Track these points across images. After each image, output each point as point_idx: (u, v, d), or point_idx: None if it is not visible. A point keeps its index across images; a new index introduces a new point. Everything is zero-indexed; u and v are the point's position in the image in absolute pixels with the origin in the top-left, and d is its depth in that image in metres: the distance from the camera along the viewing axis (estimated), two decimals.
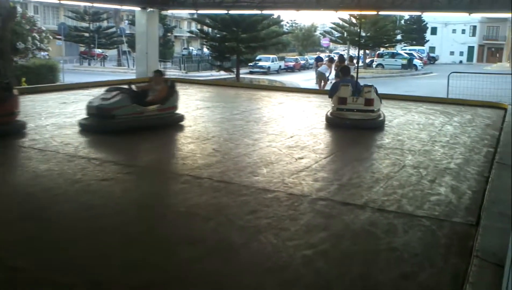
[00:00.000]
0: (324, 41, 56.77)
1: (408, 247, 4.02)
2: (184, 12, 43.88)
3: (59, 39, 31.27)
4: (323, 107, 11.99)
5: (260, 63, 40.29)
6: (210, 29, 31.65)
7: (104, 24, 49.53)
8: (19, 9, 20.30)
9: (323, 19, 66.96)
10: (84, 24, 47.17)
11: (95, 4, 17.78)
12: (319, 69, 20.08)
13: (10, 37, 17.83)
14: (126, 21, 48.02)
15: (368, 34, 44.86)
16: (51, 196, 5.13)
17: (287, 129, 8.95)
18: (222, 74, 30.88)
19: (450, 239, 4.22)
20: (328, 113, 9.64)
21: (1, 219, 4.49)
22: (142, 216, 4.67)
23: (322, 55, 37.95)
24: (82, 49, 49.00)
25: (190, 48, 60.29)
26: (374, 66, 45.50)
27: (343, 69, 11.30)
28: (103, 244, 3.98)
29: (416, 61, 45.62)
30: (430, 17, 56.90)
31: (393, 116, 10.92)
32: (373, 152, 7.34)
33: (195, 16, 33.27)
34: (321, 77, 19.19)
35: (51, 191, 5.27)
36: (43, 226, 4.35)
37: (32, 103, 11.60)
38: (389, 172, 6.21)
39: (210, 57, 36.51)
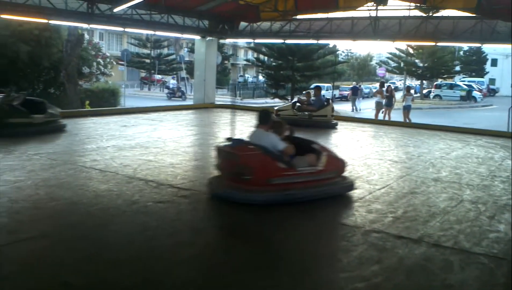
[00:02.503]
0: (380, 71, 56.20)
1: (464, 285, 3.89)
2: (241, 41, 44.78)
3: (122, 64, 32.62)
4: (377, 137, 11.86)
5: None
6: (266, 58, 32.12)
7: (165, 51, 51.24)
8: (86, 36, 21.37)
9: (380, 49, 66.48)
10: (146, 51, 48.97)
11: (157, 33, 18.48)
12: (376, 99, 19.97)
13: (77, 62, 18.83)
14: (186, 49, 49.50)
15: (426, 64, 44.10)
16: (109, 215, 5.32)
17: None
18: (277, 102, 31.12)
19: (509, 278, 4.05)
20: None
21: (61, 236, 4.69)
22: (195, 240, 4.74)
23: (379, 84, 37.39)
24: (143, 74, 50.76)
25: (246, 75, 61.26)
26: (431, 97, 44.53)
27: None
28: (155, 265, 4.07)
29: (476, 93, 44.27)
30: (490, 49, 55.28)
31: (451, 148, 10.64)
32: (429, 186, 7.16)
33: (252, 44, 33.85)
34: (378, 107, 19.06)
35: (109, 211, 5.46)
36: (100, 244, 4.51)
37: (94, 125, 12.12)
38: (446, 207, 6.04)
39: (265, 85, 36.95)
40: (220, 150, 6.10)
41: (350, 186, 6.43)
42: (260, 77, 47.56)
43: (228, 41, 28.11)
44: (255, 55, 35.13)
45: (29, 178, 6.68)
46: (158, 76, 49.43)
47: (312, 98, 14.48)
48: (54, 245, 4.44)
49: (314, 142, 6.53)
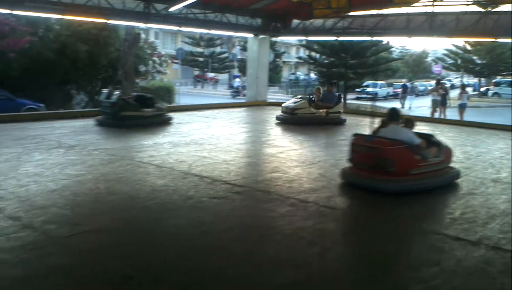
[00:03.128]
0: (436, 68, 54.57)
1: None
2: (293, 39, 44.63)
3: (176, 63, 33.25)
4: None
5: (368, 89, 39.66)
6: (318, 55, 31.90)
7: (218, 49, 51.83)
8: (142, 35, 21.93)
9: (435, 45, 64.35)
10: (199, 49, 49.69)
11: (211, 31, 18.73)
12: (432, 97, 19.46)
13: (133, 61, 19.34)
14: (238, 47, 49.90)
15: (484, 61, 42.47)
16: (166, 210, 5.47)
17: None
18: None
19: None
20: None
21: (120, 229, 4.86)
22: (248, 236, 4.79)
23: (435, 82, 36.34)
24: (196, 72, 51.54)
25: (298, 73, 61.04)
26: (489, 95, 42.84)
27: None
28: (210, 259, 4.15)
29: None
30: None
31: (510, 149, 10.23)
32: (488, 187, 6.92)
33: (304, 42, 33.68)
34: (434, 105, 18.57)
35: (166, 206, 5.61)
36: (156, 238, 4.64)
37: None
38: (505, 209, 5.83)
39: (317, 82, 36.70)
40: (357, 144, 6.66)
41: (458, 175, 7.01)
42: (312, 75, 47.24)
43: (280, 39, 28.12)
44: (307, 52, 34.86)
45: (89, 173, 6.95)
46: (211, 74, 50.06)
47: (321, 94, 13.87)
48: (114, 237, 4.60)
49: (432, 135, 7.15)
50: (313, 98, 13.38)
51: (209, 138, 10.39)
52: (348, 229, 5.02)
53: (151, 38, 35.00)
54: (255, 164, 8.42)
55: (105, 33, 19.90)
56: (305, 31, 18.50)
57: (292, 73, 59.28)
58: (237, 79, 41.64)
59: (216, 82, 49.80)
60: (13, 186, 6.01)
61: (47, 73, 18.98)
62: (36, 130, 10.50)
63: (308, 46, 32.69)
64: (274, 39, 25.87)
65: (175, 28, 16.71)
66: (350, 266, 4.12)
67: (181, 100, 24.99)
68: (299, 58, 43.33)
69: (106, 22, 15.60)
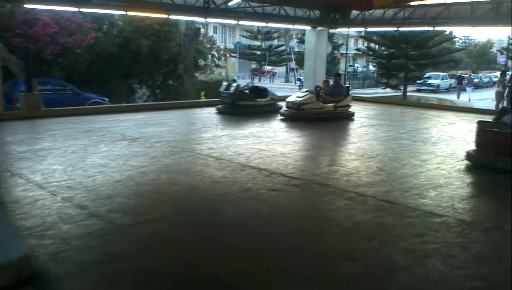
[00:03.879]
0: (501, 59, 52.17)
1: None
2: (351, 30, 44.02)
3: (235, 56, 33.57)
4: None
5: (429, 81, 38.49)
6: (377, 46, 31.28)
7: (275, 42, 51.83)
8: (202, 30, 22.29)
9: (501, 34, 61.32)
10: (257, 43, 49.88)
11: (269, 24, 18.79)
12: (497, 89, 18.65)
13: (193, 55, 19.74)
14: (295, 40, 49.67)
15: None
16: (225, 201, 5.58)
17: (458, 152, 8.47)
18: (388, 92, 30.20)
19: None
20: None
21: (181, 218, 5.01)
22: (306, 228, 4.82)
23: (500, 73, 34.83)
24: (254, 66, 51.80)
25: (356, 65, 60.10)
26: None
27: None
28: (267, 251, 4.21)
29: None
30: None
31: None
32: None
33: (363, 33, 33.09)
34: (499, 97, 17.80)
35: (225, 197, 5.73)
36: (216, 228, 4.75)
37: (210, 115, 12.68)
38: None
39: (376, 74, 36.00)
40: (484, 130, 7.30)
41: None
42: (371, 67, 46.39)
43: (339, 30, 27.78)
44: (366, 44, 34.24)
45: (152, 164, 7.19)
46: (268, 68, 50.16)
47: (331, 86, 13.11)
48: (175, 226, 4.76)
49: None
50: (320, 92, 12.53)
51: (267, 131, 10.48)
52: (407, 223, 4.93)
53: (210, 33, 35.48)
54: (312, 157, 8.41)
55: (166, 28, 20.41)
56: (364, 22, 18.19)
57: (350, 65, 58.44)
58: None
59: (273, 75, 49.83)
60: (81, 177, 6.32)
61: (110, 68, 19.73)
62: (101, 123, 10.95)
63: (367, 37, 32.13)
64: (332, 30, 25.63)
65: (234, 22, 16.89)
66: (411, 260, 4.06)
67: None
68: (358, 49, 42.57)
69: (167, 18, 15.98)
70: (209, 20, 18.25)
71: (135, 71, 20.92)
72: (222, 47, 27.16)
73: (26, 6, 13.47)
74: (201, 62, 22.76)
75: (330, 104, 12.40)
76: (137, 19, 19.38)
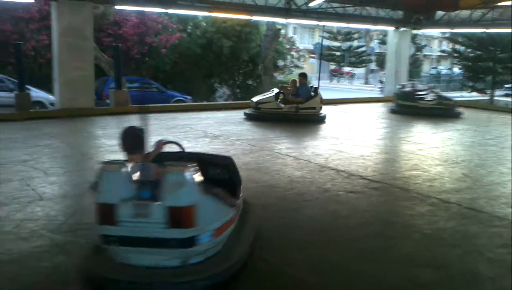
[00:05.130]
0: None
1: None
2: (436, 31, 42.42)
3: (313, 57, 33.47)
4: None
5: None
6: (463, 48, 29.97)
7: (355, 43, 51.10)
8: (282, 31, 22.44)
9: None
10: (336, 44, 49.40)
11: (350, 25, 18.59)
12: None
13: (273, 56, 19.93)
14: (376, 41, 48.71)
15: None
16: (303, 201, 5.62)
17: None
18: (474, 96, 28.83)
19: None
20: None
21: (258, 216, 5.10)
22: (385, 232, 4.75)
23: None
24: (332, 67, 51.35)
25: (439, 67, 57.88)
26: None
27: None
28: (344, 252, 4.21)
29: None
30: None
31: None
32: None
33: (448, 35, 31.81)
34: None
35: (303, 196, 5.77)
36: (293, 226, 4.81)
37: None
38: None
39: (461, 77, 34.51)
40: None
41: None
42: (455, 69, 44.47)
43: (422, 31, 26.90)
44: (451, 45, 32.90)
45: None
46: (347, 69, 49.54)
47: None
48: None
49: None
50: (281, 92, 11.90)
51: (346, 132, 10.40)
52: (493, 233, 4.73)
53: (290, 33, 35.61)
54: (393, 160, 8.25)
55: (247, 29, 20.75)
56: (450, 23, 17.53)
57: (434, 67, 56.38)
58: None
59: (352, 76, 49.15)
60: None
61: (193, 67, 20.37)
62: (184, 120, 11.35)
63: (453, 38, 30.88)
64: (415, 31, 24.86)
65: (315, 23, 16.86)
66: (496, 271, 3.90)
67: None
68: (442, 51, 41.01)
69: (249, 19, 16.26)
70: (290, 21, 18.33)
71: (216, 71, 21.44)
72: (301, 47, 27.10)
73: (116, 7, 14.22)
74: (280, 63, 22.91)
75: (290, 105, 11.78)
76: (220, 20, 19.85)
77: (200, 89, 20.90)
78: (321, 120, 11.94)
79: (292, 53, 24.05)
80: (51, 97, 13.90)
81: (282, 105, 11.72)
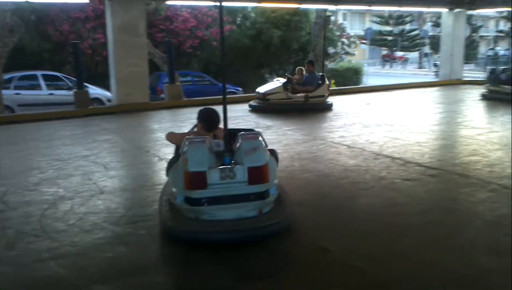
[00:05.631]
0: None
1: None
2: (491, 11, 40.67)
3: (364, 43, 32.89)
4: None
5: None
6: None
7: (407, 27, 49.78)
8: (332, 17, 22.18)
9: None
10: (388, 28, 48.31)
11: (402, 8, 18.10)
12: None
13: (323, 43, 19.71)
14: (429, 23, 47.23)
15: None
16: (358, 189, 5.57)
17: None
18: None
19: None
20: None
21: (314, 204, 5.11)
22: (445, 219, 4.64)
23: None
24: (384, 52, 50.30)
25: (497, 48, 55.53)
26: None
27: None
28: (402, 240, 4.14)
29: None
30: None
31: None
32: None
33: (505, 14, 30.41)
34: None
35: (358, 185, 5.72)
36: (349, 215, 4.79)
37: (341, 103, 12.63)
38: None
39: None
40: None
41: None
42: None
43: (477, 11, 25.83)
44: (509, 25, 31.46)
45: (285, 151, 7.39)
46: (399, 53, 48.37)
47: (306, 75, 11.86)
48: (310, 212, 4.86)
49: None
50: (289, 81, 11.56)
51: (400, 119, 10.18)
52: None
53: (340, 20, 35.11)
54: (451, 146, 8.01)
55: (296, 18, 20.64)
56: (507, 1, 16.69)
57: (491, 49, 54.14)
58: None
59: (405, 61, 47.96)
60: None
61: (243, 59, 20.49)
62: (236, 112, 11.43)
63: (510, 17, 29.49)
64: (470, 12, 23.92)
65: (365, 7, 16.57)
66: None
67: (369, 80, 24.72)
68: (499, 31, 39.27)
69: (297, 7, 16.16)
70: (339, 7, 18.07)
71: (266, 61, 21.49)
72: (351, 34, 26.67)
73: (167, 2, 14.49)
74: (331, 50, 22.67)
75: (299, 94, 11.43)
76: (269, 10, 19.84)
77: (251, 80, 21.01)
78: (328, 108, 11.63)
79: (343, 39, 23.73)
80: (107, 93, 14.39)
81: (291, 95, 11.44)
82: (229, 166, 3.91)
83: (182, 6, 18.52)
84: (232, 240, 3.91)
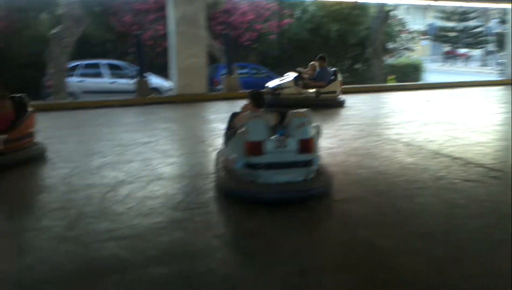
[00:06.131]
0: None
1: None
2: None
3: (425, 39, 31.93)
4: None
5: None
6: None
7: (471, 23, 47.87)
8: (393, 12, 21.70)
9: None
10: (451, 24, 46.66)
11: (468, 4, 17.45)
12: None
13: (382, 38, 19.34)
14: (495, 20, 45.22)
15: None
16: (415, 188, 5.44)
17: None
18: None
19: None
20: None
21: (369, 201, 5.05)
22: (505, 224, 4.46)
23: None
24: (447, 48, 48.65)
25: None
26: None
27: None
28: (461, 242, 4.03)
29: None
30: None
31: None
32: None
33: None
34: None
35: (415, 184, 5.59)
36: (405, 213, 4.70)
37: (398, 99, 12.38)
38: None
39: None
40: None
41: None
42: None
43: None
44: None
45: (340, 146, 7.34)
46: (462, 50, 46.63)
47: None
48: (363, 208, 4.80)
49: None
50: (301, 76, 11.15)
51: (461, 118, 9.86)
52: None
53: (401, 14, 34.27)
54: None
55: (356, 12, 20.32)
56: None
57: None
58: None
59: (467, 58, 46.19)
60: None
61: (301, 52, 20.38)
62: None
63: None
64: None
65: (427, 2, 16.09)
66: None
67: (430, 77, 24.02)
68: None
69: (356, 1, 15.90)
70: (400, 1, 17.65)
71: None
72: (413, 29, 25.95)
73: None
74: (390, 46, 22.18)
75: (311, 90, 11.06)
76: (329, 4, 19.64)
77: None
78: (340, 104, 11.31)
79: (403, 35, 23.15)
80: (166, 83, 14.72)
81: (302, 90, 11.11)
82: (282, 137, 4.70)
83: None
84: (284, 200, 4.66)
